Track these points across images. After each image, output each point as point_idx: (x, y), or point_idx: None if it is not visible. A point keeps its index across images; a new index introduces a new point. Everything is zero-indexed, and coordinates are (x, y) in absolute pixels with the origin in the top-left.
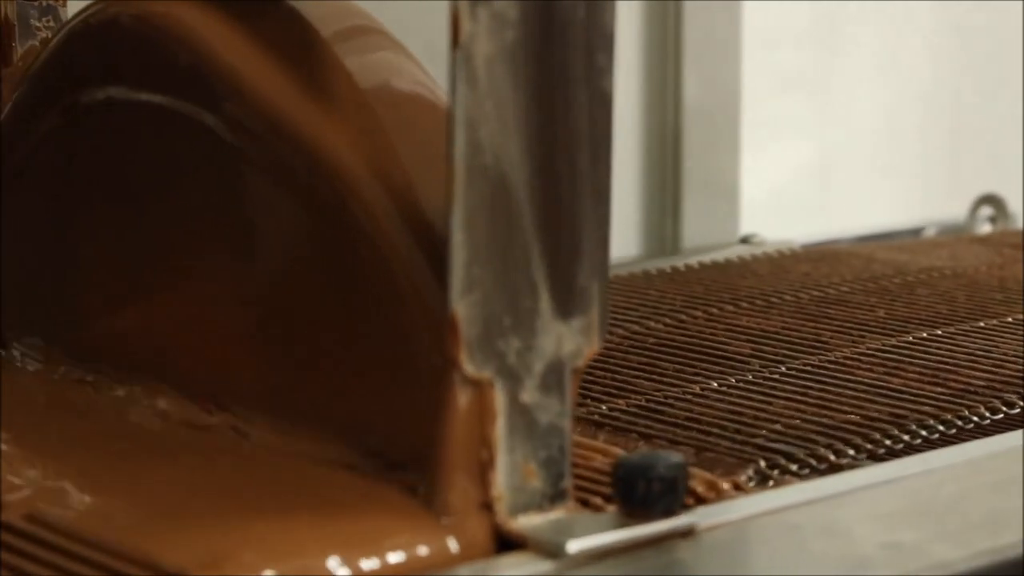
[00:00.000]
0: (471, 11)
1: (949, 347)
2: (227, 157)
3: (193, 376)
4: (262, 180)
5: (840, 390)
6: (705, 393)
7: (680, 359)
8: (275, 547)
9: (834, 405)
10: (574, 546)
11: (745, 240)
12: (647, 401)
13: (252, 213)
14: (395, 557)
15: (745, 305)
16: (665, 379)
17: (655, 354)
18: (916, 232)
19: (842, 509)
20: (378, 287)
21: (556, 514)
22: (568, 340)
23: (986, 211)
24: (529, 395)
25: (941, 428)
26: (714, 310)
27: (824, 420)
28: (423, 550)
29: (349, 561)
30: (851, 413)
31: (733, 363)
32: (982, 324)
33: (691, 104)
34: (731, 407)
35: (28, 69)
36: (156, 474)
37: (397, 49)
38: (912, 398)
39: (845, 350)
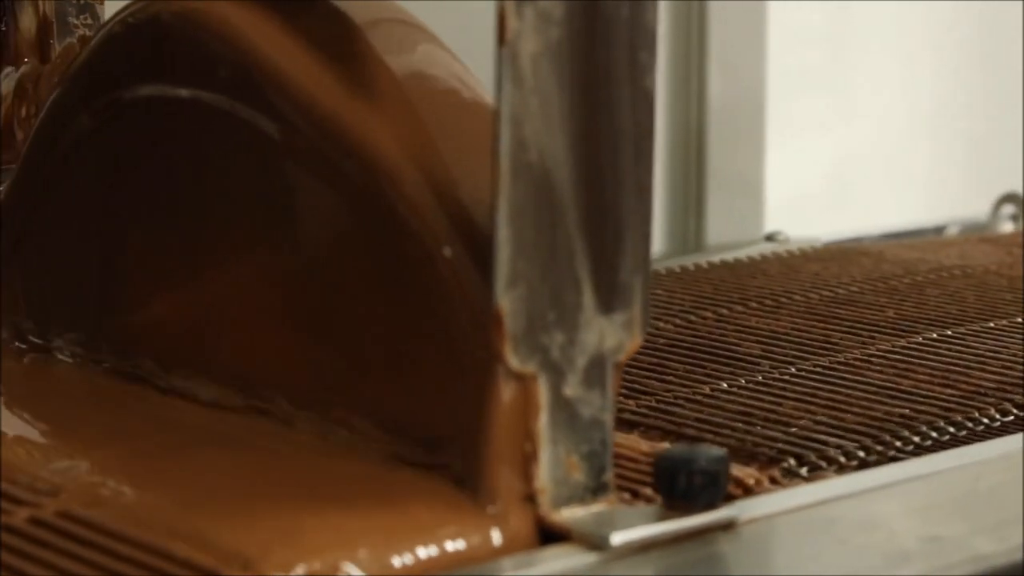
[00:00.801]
0: (517, 9)
1: (959, 348)
2: (268, 151)
3: (234, 368)
4: (304, 174)
5: (850, 391)
6: (715, 394)
7: (690, 360)
8: (321, 538)
9: (843, 407)
10: (618, 538)
11: (770, 238)
12: (657, 402)
13: (293, 206)
14: (440, 548)
15: (754, 305)
16: (675, 380)
17: (665, 355)
18: (939, 230)
19: (880, 503)
20: (422, 281)
21: (598, 507)
22: (610, 335)
23: (1008, 209)
24: (572, 389)
25: (951, 430)
26: (723, 311)
27: (835, 422)
28: (468, 542)
29: (394, 553)
30: (862, 415)
31: (743, 364)
32: (992, 324)
33: (715, 102)
34: (742, 408)
35: (69, 66)
36: (202, 467)
37: (435, 44)
38: (922, 399)
39: (855, 351)
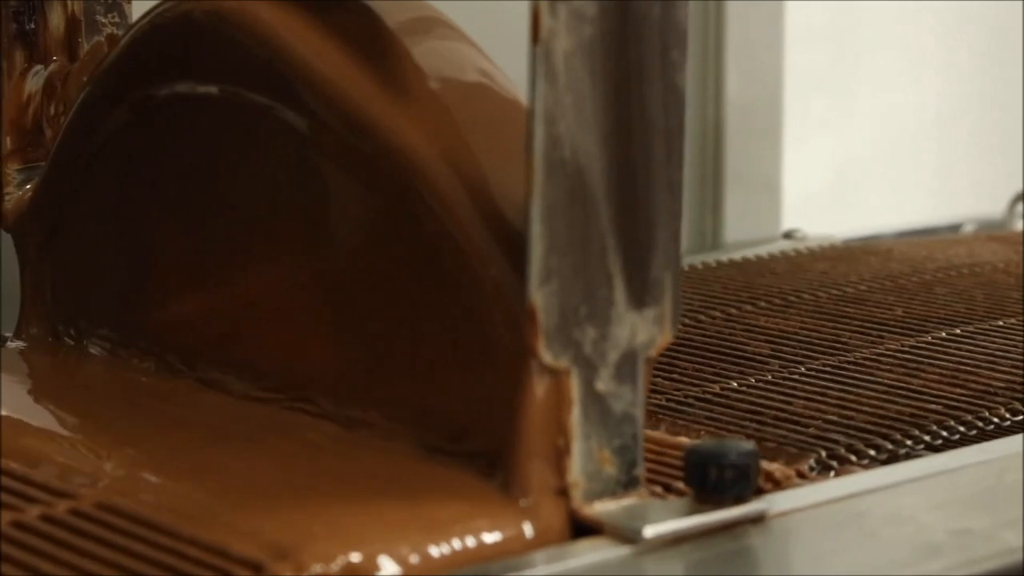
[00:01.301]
0: (551, 8)
1: (968, 347)
2: (298, 148)
3: (266, 363)
4: (334, 170)
5: (861, 390)
6: (725, 393)
7: (699, 359)
8: (356, 531)
9: (854, 406)
10: (650, 531)
11: (788, 235)
12: (667, 400)
13: (325, 203)
14: (474, 541)
15: (763, 304)
16: (685, 379)
17: (674, 354)
18: (954, 228)
19: (907, 497)
20: (455, 277)
21: (629, 500)
22: (642, 330)
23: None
24: (604, 384)
25: (962, 429)
26: (732, 310)
27: (846, 420)
28: (501, 534)
29: (430, 545)
30: (873, 414)
31: (753, 363)
32: (1000, 323)
33: (733, 100)
34: (752, 407)
35: (100, 64)
36: (237, 459)
37: (465, 42)
38: (933, 399)
39: (864, 350)
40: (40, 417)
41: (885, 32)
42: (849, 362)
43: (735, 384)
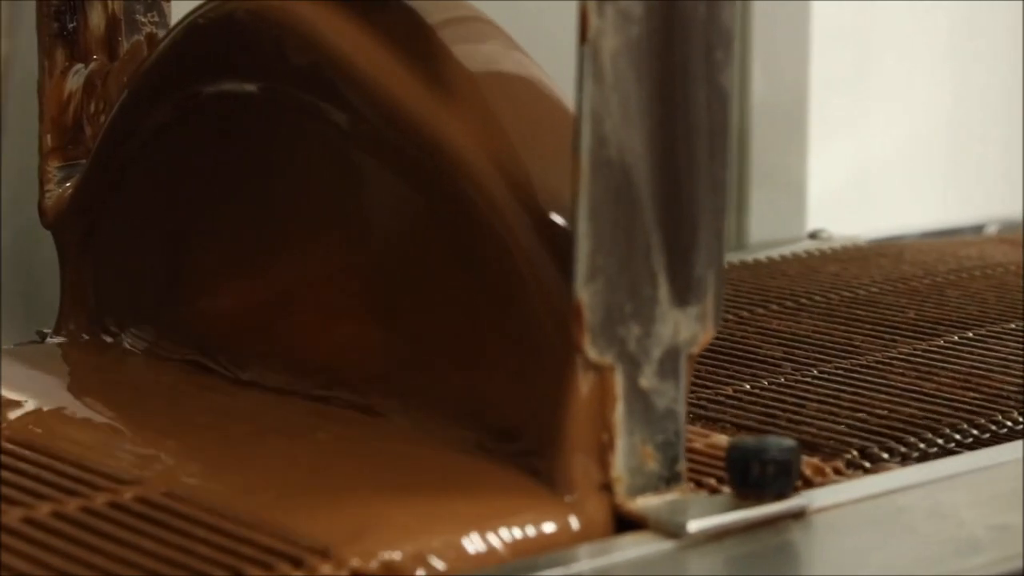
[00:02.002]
0: (598, 8)
1: (980, 351)
2: (342, 146)
3: (306, 358)
4: (376, 167)
5: (873, 394)
6: (738, 395)
7: (712, 361)
8: (408, 524)
9: (867, 409)
10: (694, 526)
11: (813, 235)
12: None
13: (367, 200)
14: (519, 536)
15: (775, 307)
16: (698, 381)
17: None
18: (977, 229)
19: (946, 493)
20: (500, 274)
21: (671, 496)
22: (684, 327)
23: None
24: (647, 380)
25: (975, 432)
26: (744, 313)
27: (860, 424)
28: (546, 529)
29: (479, 537)
30: (886, 417)
31: (766, 366)
32: (1013, 326)
33: (758, 100)
34: (765, 409)
35: (142, 64)
36: (278, 455)
37: (506, 40)
38: (945, 402)
39: (877, 354)
40: (86, 410)
41: (907, 32)
42: (861, 365)
43: (748, 387)
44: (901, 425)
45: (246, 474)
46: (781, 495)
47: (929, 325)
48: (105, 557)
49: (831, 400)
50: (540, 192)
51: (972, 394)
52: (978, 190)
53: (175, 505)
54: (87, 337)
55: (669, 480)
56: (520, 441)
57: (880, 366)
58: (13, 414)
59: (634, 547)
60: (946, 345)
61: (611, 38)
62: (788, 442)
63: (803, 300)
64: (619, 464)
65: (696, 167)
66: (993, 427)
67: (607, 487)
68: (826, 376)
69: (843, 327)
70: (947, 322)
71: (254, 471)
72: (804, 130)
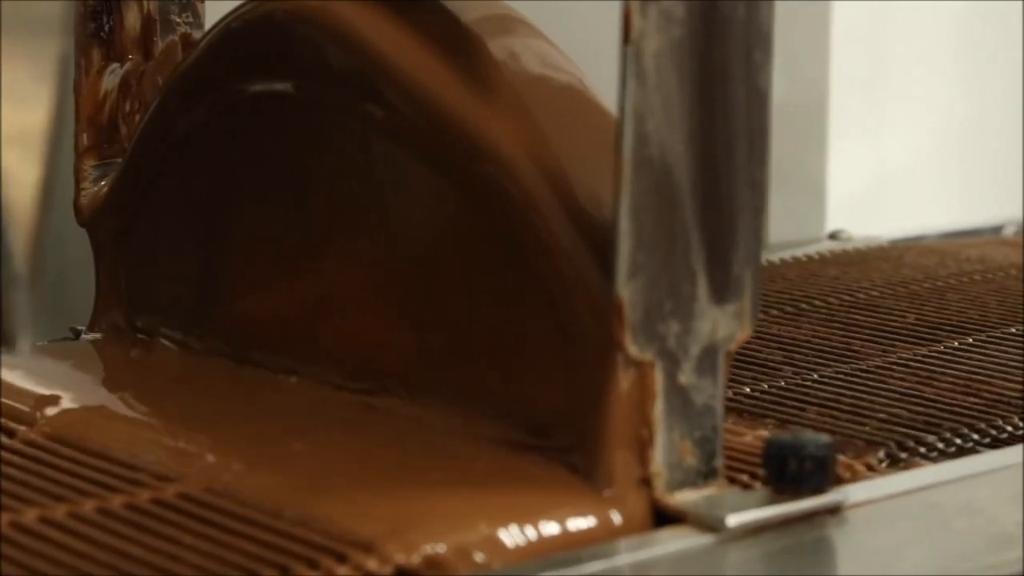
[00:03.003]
0: (641, 9)
1: (981, 356)
2: (381, 145)
3: (344, 354)
4: (415, 165)
5: (873, 398)
6: (738, 399)
7: None
8: (450, 518)
9: (867, 412)
10: (733, 520)
11: (833, 236)
12: None
13: (404, 196)
14: (561, 530)
15: (775, 312)
16: None
17: None
18: (996, 230)
19: (978, 490)
20: (539, 272)
21: (709, 491)
22: (722, 325)
23: None
24: (686, 377)
25: (975, 437)
26: None
27: (859, 428)
28: (587, 523)
29: (521, 531)
30: (887, 420)
31: (766, 370)
32: (1013, 331)
33: (778, 100)
34: (764, 413)
35: (180, 64)
36: (318, 450)
37: (542, 39)
38: (945, 407)
39: (876, 359)
40: (124, 406)
41: (925, 33)
42: (861, 370)
43: (748, 390)
44: (902, 429)
45: (286, 470)
46: (818, 490)
47: (929, 330)
48: (152, 552)
49: (831, 404)
50: (579, 190)
51: (972, 399)
52: (997, 191)
53: (218, 501)
54: (122, 334)
55: (706, 475)
56: (560, 437)
57: (880, 371)
58: (52, 410)
59: (674, 541)
60: (946, 351)
61: (654, 39)
62: (824, 438)
63: (803, 305)
64: (658, 459)
65: (735, 166)
66: (993, 431)
67: (646, 482)
68: (826, 380)
69: (842, 332)
70: (947, 327)
71: (293, 467)
72: (824, 131)
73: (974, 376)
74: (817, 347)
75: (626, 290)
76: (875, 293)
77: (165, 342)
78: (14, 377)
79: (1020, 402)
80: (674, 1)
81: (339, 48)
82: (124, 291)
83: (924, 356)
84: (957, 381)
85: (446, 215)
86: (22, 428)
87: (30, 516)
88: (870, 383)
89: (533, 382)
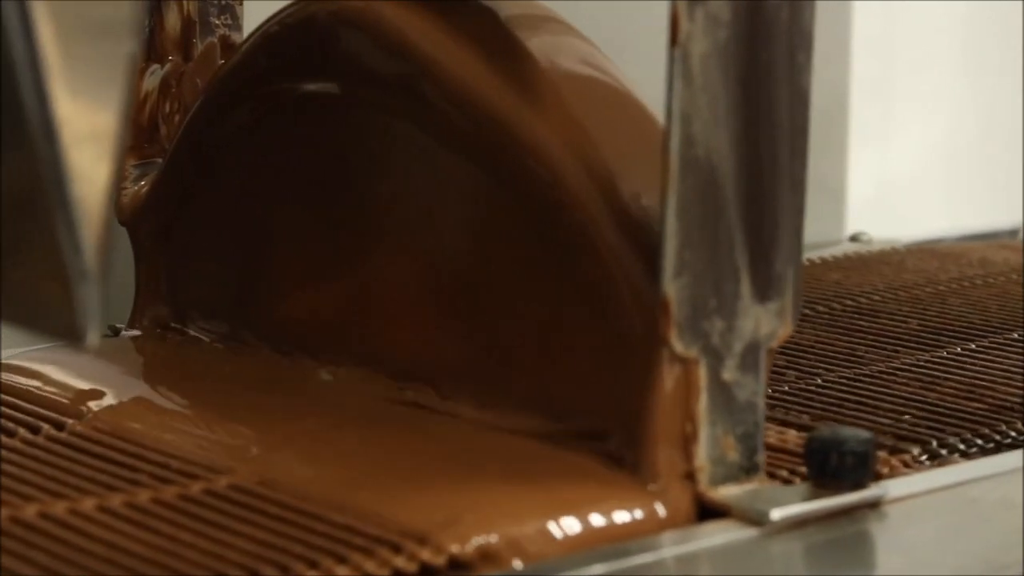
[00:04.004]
0: (689, 12)
1: (984, 362)
2: (424, 144)
3: (388, 352)
4: (461, 165)
5: (877, 403)
6: None
7: None
8: (500, 510)
9: (871, 417)
10: (777, 514)
11: (854, 238)
12: None
13: (448, 195)
14: (608, 522)
15: None
16: None
17: None
18: (1013, 233)
19: (1015, 485)
20: (586, 270)
21: (751, 485)
22: (765, 322)
23: None
24: (729, 373)
25: (979, 443)
26: None
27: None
28: (634, 515)
29: (565, 526)
30: (889, 425)
31: (770, 374)
32: (1015, 336)
33: None
34: (768, 417)
35: (223, 65)
36: (365, 445)
37: (578, 37)
38: (949, 412)
39: (880, 364)
40: (168, 401)
41: (944, 37)
42: (865, 375)
43: None
44: (905, 434)
45: (336, 464)
46: (858, 485)
47: (932, 335)
48: (210, 541)
49: (834, 408)
50: (623, 189)
51: (976, 404)
52: (1016, 194)
53: (270, 493)
54: (161, 331)
55: (748, 470)
56: (603, 432)
57: (884, 376)
58: (99, 404)
59: (719, 534)
60: (949, 357)
61: (700, 41)
62: (865, 434)
63: (806, 310)
64: (702, 454)
65: (778, 167)
66: (997, 436)
67: (690, 476)
68: (830, 385)
69: (846, 338)
70: (949, 332)
71: (341, 460)
72: (844, 133)
73: (977, 382)
74: (820, 352)
75: (672, 288)
76: (877, 298)
77: (205, 339)
78: (59, 372)
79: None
80: (720, 4)
81: (383, 49)
82: (164, 288)
83: (927, 362)
84: (960, 387)
85: (492, 215)
86: (70, 421)
87: (88, 505)
88: (874, 388)
89: (579, 378)
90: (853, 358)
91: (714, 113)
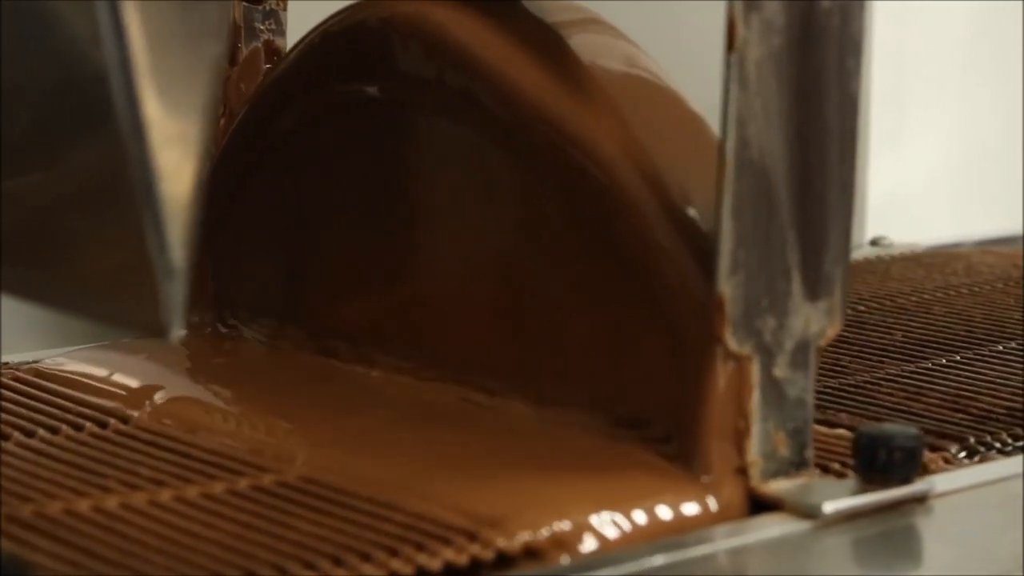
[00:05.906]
0: (745, 18)
1: (968, 373)
2: (475, 147)
3: (443, 350)
4: (513, 168)
5: (862, 412)
6: None
7: None
8: (556, 504)
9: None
10: (829, 507)
11: (874, 243)
12: None
13: (498, 195)
14: (666, 514)
15: None
16: None
17: None
18: None
19: None
20: (640, 269)
21: (801, 480)
22: (814, 320)
23: None
24: (780, 370)
25: (964, 454)
26: None
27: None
28: (688, 509)
29: (628, 516)
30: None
31: None
32: (1000, 347)
33: None
34: None
35: (272, 71)
36: (428, 439)
37: (624, 39)
38: (934, 423)
39: (864, 374)
40: (217, 399)
41: (957, 47)
42: (850, 385)
43: None
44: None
45: (399, 456)
46: (906, 480)
47: (916, 347)
48: (287, 529)
49: (818, 418)
50: (674, 189)
51: (960, 415)
52: None
53: (338, 483)
54: (209, 330)
55: (799, 465)
56: (658, 427)
57: (868, 386)
58: (147, 402)
59: (772, 527)
60: (933, 368)
61: (756, 47)
62: (913, 430)
63: None
64: (754, 449)
65: (828, 169)
66: (982, 448)
67: (743, 471)
68: (815, 394)
69: (831, 347)
70: (934, 343)
71: (406, 453)
72: (865, 137)
73: (961, 393)
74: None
75: (727, 286)
76: (862, 308)
77: (253, 338)
78: (114, 371)
79: (1008, 419)
80: (776, 10)
81: (434, 53)
82: (211, 289)
83: (912, 372)
84: (945, 397)
85: (545, 217)
86: (135, 414)
87: (166, 496)
88: (859, 399)
89: (632, 374)
90: (837, 368)
91: (768, 117)
